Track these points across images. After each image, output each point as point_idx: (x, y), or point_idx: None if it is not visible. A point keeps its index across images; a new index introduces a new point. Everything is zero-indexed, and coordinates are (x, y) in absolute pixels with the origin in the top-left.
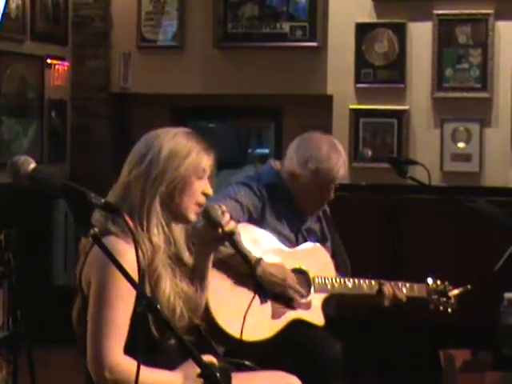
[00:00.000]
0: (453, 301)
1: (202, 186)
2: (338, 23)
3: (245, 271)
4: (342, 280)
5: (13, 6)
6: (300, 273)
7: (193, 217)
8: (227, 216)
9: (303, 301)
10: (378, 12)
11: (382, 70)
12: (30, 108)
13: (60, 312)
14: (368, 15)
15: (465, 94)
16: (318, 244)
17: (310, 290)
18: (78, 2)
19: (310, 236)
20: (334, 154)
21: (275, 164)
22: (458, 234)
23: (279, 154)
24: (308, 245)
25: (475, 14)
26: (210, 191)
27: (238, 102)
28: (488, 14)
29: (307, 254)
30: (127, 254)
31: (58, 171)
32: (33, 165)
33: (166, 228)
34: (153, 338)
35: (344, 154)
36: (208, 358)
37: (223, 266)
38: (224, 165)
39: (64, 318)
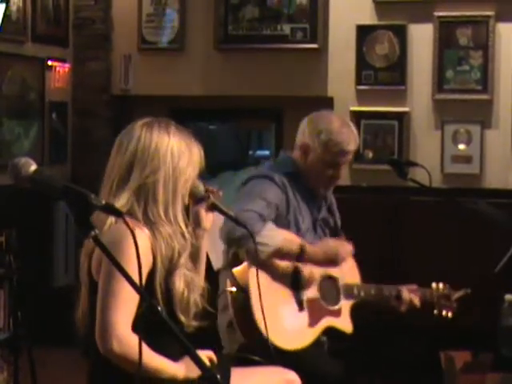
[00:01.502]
0: (454, 305)
1: (197, 171)
2: (339, 25)
3: (287, 270)
4: (366, 286)
5: (13, 8)
6: (329, 279)
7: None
8: (208, 187)
9: (335, 307)
10: (378, 14)
11: (382, 71)
12: (30, 110)
13: (61, 313)
14: (369, 17)
15: (465, 96)
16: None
17: (339, 297)
18: (78, 3)
19: (325, 227)
20: (346, 129)
21: (288, 152)
22: (458, 236)
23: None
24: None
25: (476, 16)
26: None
27: (239, 103)
28: (489, 16)
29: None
30: (139, 241)
31: (58, 173)
32: (34, 166)
33: (188, 222)
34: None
35: (355, 131)
36: (207, 353)
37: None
38: (225, 166)
39: (65, 318)
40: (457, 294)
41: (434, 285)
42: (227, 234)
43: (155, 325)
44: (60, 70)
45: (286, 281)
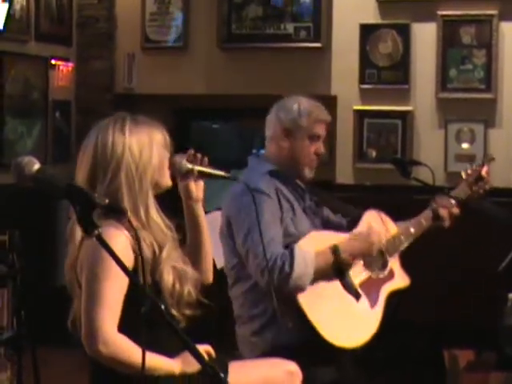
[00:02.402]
0: (487, 179)
1: (168, 154)
2: (342, 24)
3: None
4: (404, 230)
5: (17, 6)
6: None
7: (170, 182)
8: (190, 153)
9: (385, 272)
10: (382, 13)
11: (386, 70)
12: (34, 108)
13: (64, 312)
14: (372, 16)
15: (469, 95)
16: (369, 210)
17: (386, 259)
18: (82, 2)
19: (314, 216)
20: (313, 101)
21: (256, 156)
22: (461, 235)
23: None
24: (364, 216)
25: (479, 15)
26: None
27: (242, 102)
28: (492, 15)
29: (366, 224)
30: (117, 243)
31: (62, 171)
32: (37, 165)
33: (162, 214)
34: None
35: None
36: (205, 347)
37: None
38: (228, 165)
39: (67, 318)
40: (485, 167)
41: (462, 173)
42: (266, 284)
43: (150, 322)
44: (63, 69)
45: (331, 276)
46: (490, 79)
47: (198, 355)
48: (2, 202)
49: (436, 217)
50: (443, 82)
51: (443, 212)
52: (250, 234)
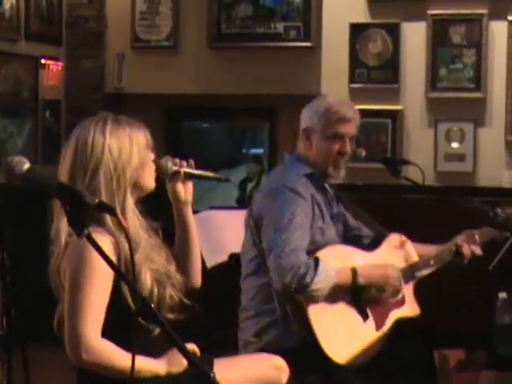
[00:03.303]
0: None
1: (151, 155)
2: (332, 23)
3: (348, 288)
4: (424, 261)
5: (7, 5)
6: None
7: (154, 184)
8: (176, 160)
9: (398, 297)
10: (371, 12)
11: (375, 70)
12: (24, 108)
13: (55, 311)
14: (362, 15)
15: (459, 94)
16: (393, 234)
17: (400, 285)
18: (72, 2)
19: (338, 222)
20: (342, 100)
21: (289, 153)
22: (451, 234)
23: (273, 153)
24: (387, 239)
25: (469, 14)
26: (153, 157)
27: (232, 102)
28: (482, 14)
29: (388, 248)
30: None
31: (52, 171)
32: (27, 165)
33: (140, 216)
34: (140, 326)
35: (354, 106)
36: (190, 346)
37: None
38: (218, 165)
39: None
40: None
41: (490, 213)
42: (282, 286)
43: (134, 324)
44: (53, 68)
45: (345, 296)
46: (479, 78)
47: (185, 353)
48: None
49: (458, 253)
50: (433, 81)
51: (467, 251)
52: (278, 232)
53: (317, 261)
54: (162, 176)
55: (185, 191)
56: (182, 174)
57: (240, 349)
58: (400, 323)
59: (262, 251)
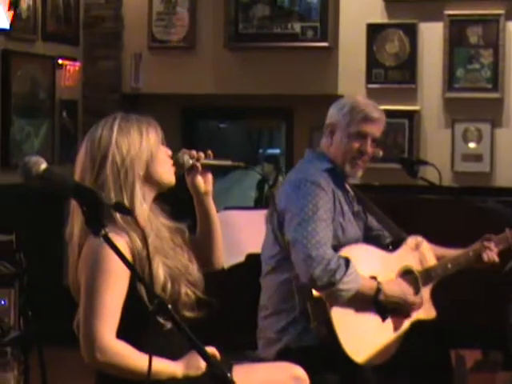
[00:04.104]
0: None
1: (166, 150)
2: (349, 23)
3: (369, 299)
4: (441, 265)
5: (24, 6)
6: (406, 273)
7: (173, 178)
8: (193, 153)
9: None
10: (389, 12)
11: (393, 70)
12: (41, 108)
13: (71, 312)
14: (379, 15)
15: (476, 95)
16: (412, 236)
17: (418, 287)
18: (89, 2)
19: (359, 220)
20: (369, 101)
21: (313, 150)
22: (468, 235)
23: (290, 154)
24: (406, 242)
25: (486, 15)
26: (170, 152)
27: (249, 102)
28: (499, 15)
29: (407, 250)
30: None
31: (69, 171)
32: (44, 165)
33: (157, 213)
34: (155, 322)
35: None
36: (210, 349)
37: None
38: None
39: (74, 317)
40: None
41: (507, 230)
42: (310, 278)
43: (152, 325)
44: (70, 69)
45: (367, 300)
46: (496, 79)
47: (205, 355)
48: (10, 201)
49: (477, 258)
50: (450, 81)
51: (487, 258)
52: (302, 225)
53: (347, 261)
54: (179, 170)
55: (204, 182)
56: (200, 166)
57: (260, 349)
58: (417, 325)
59: (283, 247)
